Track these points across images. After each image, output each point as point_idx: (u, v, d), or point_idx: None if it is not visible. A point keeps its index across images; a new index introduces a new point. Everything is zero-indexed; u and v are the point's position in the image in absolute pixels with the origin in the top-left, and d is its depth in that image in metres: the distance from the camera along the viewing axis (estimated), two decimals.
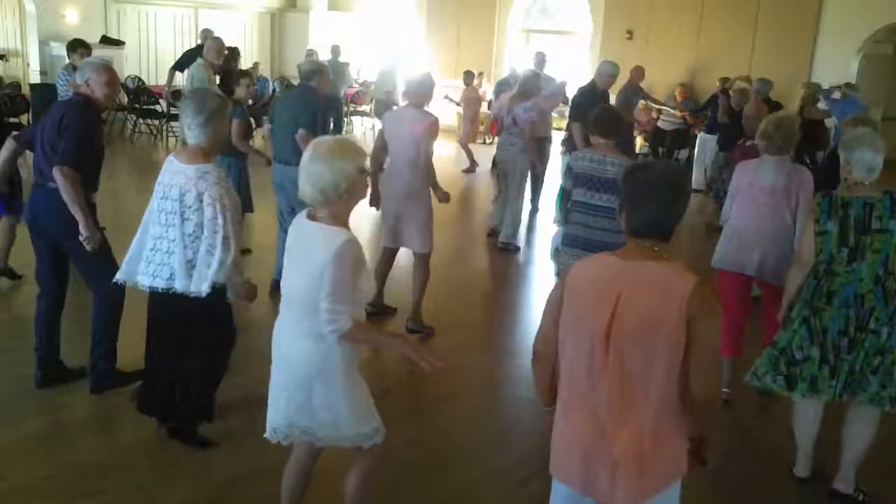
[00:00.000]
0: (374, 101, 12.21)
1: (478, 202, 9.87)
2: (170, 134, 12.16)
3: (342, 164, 2.49)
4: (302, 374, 2.64)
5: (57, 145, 3.91)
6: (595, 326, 2.19)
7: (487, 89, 15.13)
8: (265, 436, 2.77)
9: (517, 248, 7.78)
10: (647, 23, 13.22)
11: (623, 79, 9.12)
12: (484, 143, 13.98)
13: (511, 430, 4.19)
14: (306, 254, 2.56)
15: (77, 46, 7.42)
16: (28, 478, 3.43)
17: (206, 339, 3.65)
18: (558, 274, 4.74)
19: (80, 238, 3.93)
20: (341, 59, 13.07)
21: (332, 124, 11.31)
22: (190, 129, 3.39)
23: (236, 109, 5.82)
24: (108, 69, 4.12)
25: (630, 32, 13.49)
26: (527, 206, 9.29)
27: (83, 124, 3.96)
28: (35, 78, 13.55)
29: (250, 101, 6.90)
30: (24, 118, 11.00)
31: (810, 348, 3.47)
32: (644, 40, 13.16)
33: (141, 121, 12.95)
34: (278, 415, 2.72)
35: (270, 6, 17.41)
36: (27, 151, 4.45)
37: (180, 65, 10.04)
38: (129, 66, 12.78)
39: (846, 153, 3.45)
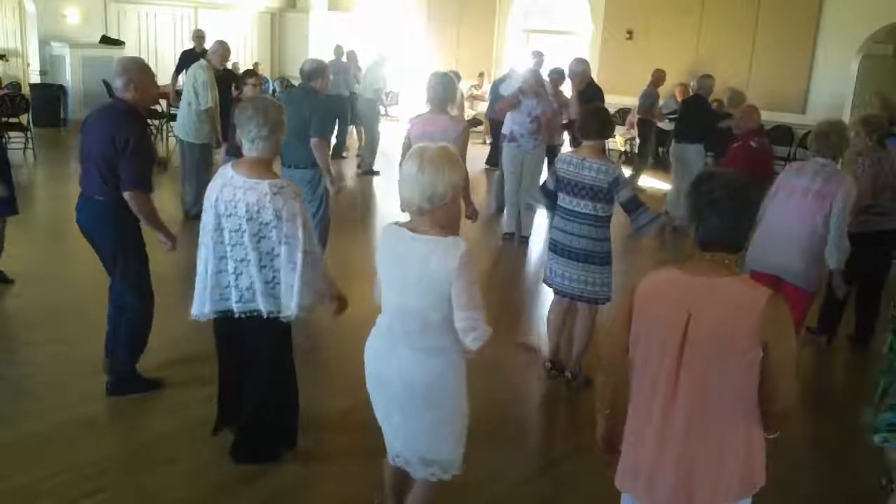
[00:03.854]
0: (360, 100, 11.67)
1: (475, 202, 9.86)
2: (170, 134, 12.11)
3: (451, 174, 2.53)
4: (419, 392, 2.62)
5: (112, 160, 3.80)
6: (665, 346, 2.14)
7: (488, 89, 15.13)
8: (407, 469, 2.79)
9: (522, 239, 7.84)
10: (647, 23, 13.21)
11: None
12: (483, 143, 13.97)
13: (512, 428, 4.18)
14: (423, 270, 2.52)
15: None
16: (28, 478, 3.42)
17: (282, 361, 3.56)
18: (546, 279, 4.64)
19: (164, 244, 4.03)
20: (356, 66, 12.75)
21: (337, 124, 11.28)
22: (253, 141, 3.24)
23: None
24: (149, 69, 4.02)
25: (630, 32, 13.49)
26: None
27: (142, 139, 3.88)
28: (35, 78, 13.57)
29: None
30: (24, 118, 11.01)
31: None
32: (644, 40, 13.16)
33: None
34: (408, 442, 2.72)
35: (270, 6, 17.41)
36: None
37: (180, 68, 10.04)
38: None
39: None
